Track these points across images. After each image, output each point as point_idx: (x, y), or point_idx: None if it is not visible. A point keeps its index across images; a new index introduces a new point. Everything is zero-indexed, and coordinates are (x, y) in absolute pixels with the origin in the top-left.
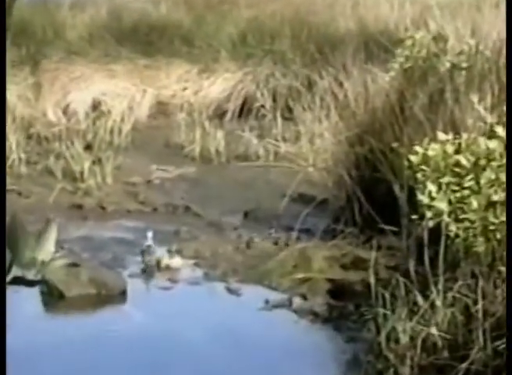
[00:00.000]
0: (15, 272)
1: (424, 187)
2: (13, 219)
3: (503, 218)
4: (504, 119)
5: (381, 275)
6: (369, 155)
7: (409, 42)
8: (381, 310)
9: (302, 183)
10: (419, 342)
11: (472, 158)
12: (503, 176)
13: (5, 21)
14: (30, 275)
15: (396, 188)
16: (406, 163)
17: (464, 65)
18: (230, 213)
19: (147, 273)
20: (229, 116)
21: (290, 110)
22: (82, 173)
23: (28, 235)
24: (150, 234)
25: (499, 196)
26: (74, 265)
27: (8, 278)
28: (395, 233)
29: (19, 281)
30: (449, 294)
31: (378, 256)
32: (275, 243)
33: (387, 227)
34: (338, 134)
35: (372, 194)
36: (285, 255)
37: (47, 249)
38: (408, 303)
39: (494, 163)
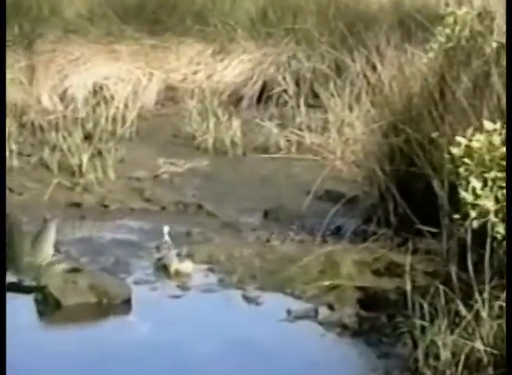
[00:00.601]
0: (10, 277)
1: (468, 182)
2: (7, 219)
3: None
4: None
5: (418, 282)
6: (405, 147)
7: (450, 19)
8: (418, 322)
9: (329, 178)
10: (462, 358)
11: None
12: None
13: (5, 22)
14: (27, 281)
15: (436, 184)
16: (447, 156)
17: None
18: (248, 212)
19: (160, 275)
20: (246, 102)
21: (316, 96)
22: (81, 166)
23: (24, 236)
24: (166, 229)
25: None
26: (75, 270)
27: None
28: (434, 234)
29: (14, 288)
30: (496, 304)
31: (415, 261)
32: (299, 245)
33: (425, 228)
34: (370, 123)
35: (408, 191)
36: (309, 260)
37: (45, 252)
38: (449, 314)
39: None
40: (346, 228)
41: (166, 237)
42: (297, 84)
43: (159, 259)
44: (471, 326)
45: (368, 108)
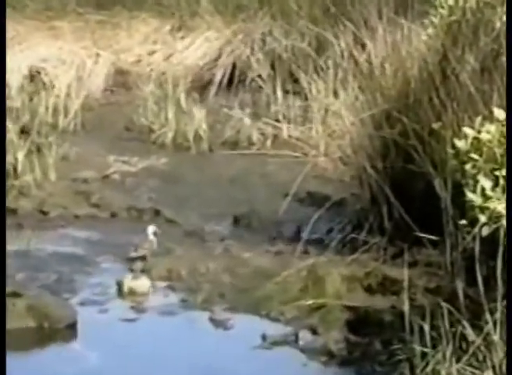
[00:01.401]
0: None
1: (476, 182)
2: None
3: None
4: None
5: (417, 300)
6: (401, 140)
7: None
8: (418, 348)
9: (311, 178)
10: None
11: None
12: None
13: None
14: None
15: (438, 184)
16: (451, 151)
17: None
18: (215, 219)
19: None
20: (212, 89)
21: (295, 81)
22: (16, 165)
23: None
24: (151, 229)
25: None
26: (15, 294)
27: None
28: (436, 244)
29: None
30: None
31: (414, 275)
32: (276, 258)
33: (425, 236)
34: (359, 112)
35: (405, 193)
36: (288, 275)
37: None
38: (454, 338)
39: None
40: (331, 237)
41: (151, 237)
42: (273, 67)
43: (134, 259)
44: (480, 353)
45: (356, 95)
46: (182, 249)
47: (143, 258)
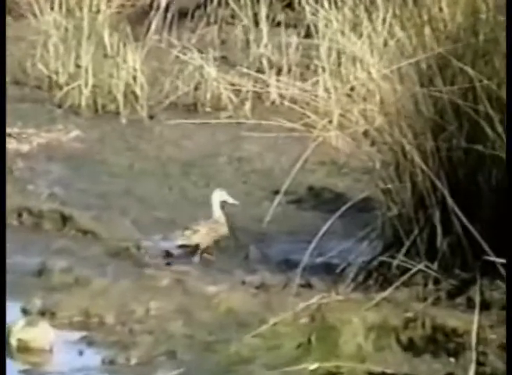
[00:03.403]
0: None
1: None
2: None
3: None
4: None
5: (490, 365)
6: (464, 105)
7: None
8: None
9: (316, 164)
10: None
11: None
12: None
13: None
14: None
15: None
16: None
17: None
18: (160, 230)
19: None
20: (155, 19)
21: (289, 5)
22: None
23: None
24: (219, 195)
25: None
26: None
27: None
28: None
29: None
30: None
31: (485, 325)
32: (260, 294)
33: (502, 262)
34: (395, 59)
35: (471, 191)
36: (280, 323)
37: None
38: None
39: None
40: (348, 261)
41: (217, 213)
42: None
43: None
44: None
45: (390, 31)
46: (105, 278)
47: (194, 249)
